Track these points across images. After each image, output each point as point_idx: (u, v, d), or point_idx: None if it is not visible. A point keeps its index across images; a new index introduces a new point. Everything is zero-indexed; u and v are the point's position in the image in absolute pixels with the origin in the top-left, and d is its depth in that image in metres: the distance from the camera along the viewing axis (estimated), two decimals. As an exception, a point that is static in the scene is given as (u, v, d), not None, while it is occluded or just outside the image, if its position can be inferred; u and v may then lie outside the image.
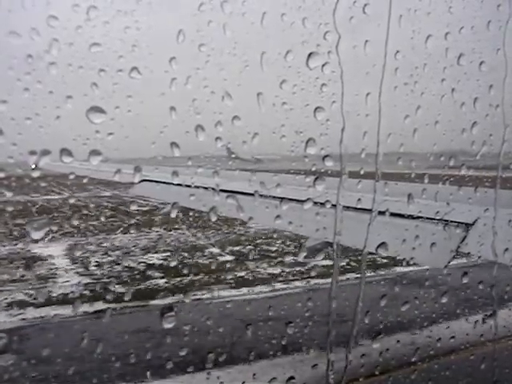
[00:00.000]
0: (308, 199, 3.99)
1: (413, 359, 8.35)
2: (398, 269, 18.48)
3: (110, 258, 20.68)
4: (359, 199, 3.97)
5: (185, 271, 19.08)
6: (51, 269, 19.11)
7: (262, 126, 3.47)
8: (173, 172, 4.16)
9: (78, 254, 21.92)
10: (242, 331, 10.86)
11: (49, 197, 33.39)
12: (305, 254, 4.26)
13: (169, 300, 14.98)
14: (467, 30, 3.57)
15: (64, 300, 14.95)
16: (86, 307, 12.45)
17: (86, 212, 27.75)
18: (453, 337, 10.05)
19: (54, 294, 15.71)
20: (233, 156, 4.64)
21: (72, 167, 2.90)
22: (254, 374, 9.68)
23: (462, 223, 3.90)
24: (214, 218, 3.76)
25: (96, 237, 25.00)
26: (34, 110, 2.62)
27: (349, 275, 13.92)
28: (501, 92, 3.59)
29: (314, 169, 3.61)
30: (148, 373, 8.71)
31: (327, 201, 3.68)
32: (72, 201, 31.28)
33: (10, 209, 19.14)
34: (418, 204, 4.10)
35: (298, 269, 18.87)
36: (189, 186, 5.23)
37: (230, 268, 19.25)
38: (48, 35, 2.37)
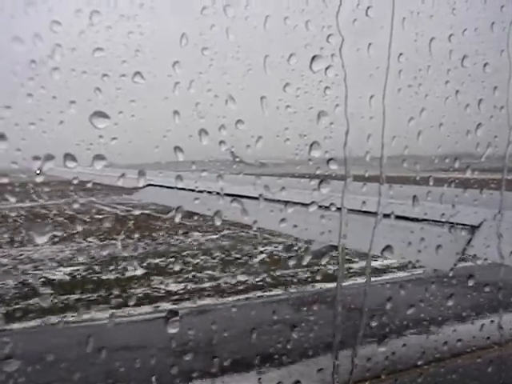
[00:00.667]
0: (313, 202, 3.98)
1: (419, 362, 8.33)
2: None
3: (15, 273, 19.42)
4: (364, 202, 3.95)
5: (78, 288, 17.45)
6: None
7: (265, 130, 3.46)
8: (177, 176, 4.16)
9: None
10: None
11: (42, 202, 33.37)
12: (310, 257, 4.25)
13: (32, 323, 13.80)
14: (471, 31, 3.56)
15: None
16: None
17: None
18: (459, 340, 10.00)
19: None
20: (237, 160, 4.64)
21: (76, 172, 2.90)
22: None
23: (468, 225, 3.88)
24: (218, 222, 3.75)
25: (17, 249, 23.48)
26: (37, 115, 2.62)
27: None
28: (505, 93, 3.58)
29: (318, 172, 3.60)
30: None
31: (332, 204, 3.68)
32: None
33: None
34: (423, 206, 4.09)
35: (206, 285, 18.02)
36: (193, 191, 5.23)
37: (127, 285, 18.00)
38: (51, 40, 2.37)
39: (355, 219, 4.07)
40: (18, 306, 15.16)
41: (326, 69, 2.93)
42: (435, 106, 3.77)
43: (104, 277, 18.84)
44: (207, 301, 16.11)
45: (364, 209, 4.03)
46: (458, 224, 3.93)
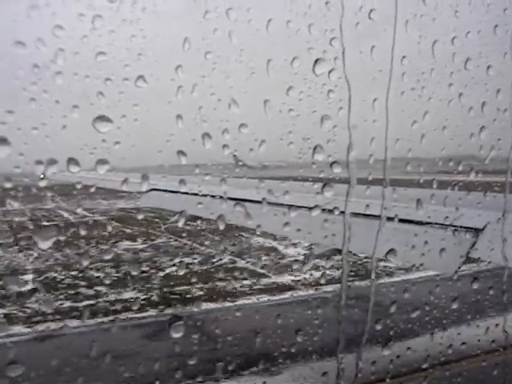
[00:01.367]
0: (316, 206, 3.97)
1: (424, 366, 8.29)
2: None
3: None
4: (368, 205, 3.95)
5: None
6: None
7: (269, 133, 3.46)
8: (180, 180, 4.16)
9: None
10: None
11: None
12: (313, 261, 4.24)
13: None
14: (474, 34, 3.55)
15: None
16: None
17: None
18: (464, 343, 9.96)
19: None
20: (240, 164, 4.64)
21: (79, 177, 2.90)
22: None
23: (472, 228, 3.87)
24: (221, 226, 3.74)
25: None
26: (40, 119, 2.62)
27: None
28: (509, 96, 3.57)
29: (321, 175, 3.59)
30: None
31: (335, 207, 3.67)
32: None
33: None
34: (426, 209, 4.08)
35: (80, 305, 16.23)
36: (196, 195, 5.24)
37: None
38: (54, 45, 2.37)
39: (359, 222, 4.07)
40: None
41: (329, 72, 2.92)
42: (438, 109, 3.77)
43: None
44: (61, 324, 14.25)
45: (368, 212, 4.02)
46: (461, 227, 3.92)
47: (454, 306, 4.71)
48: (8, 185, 2.55)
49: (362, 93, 3.10)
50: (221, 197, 4.40)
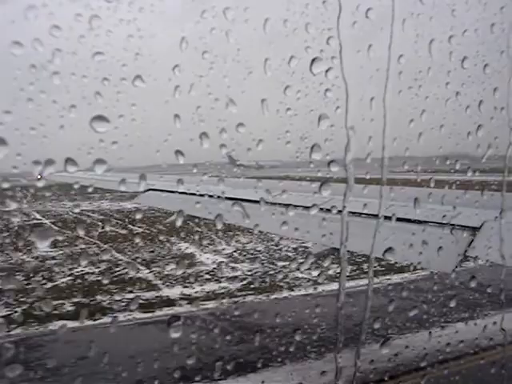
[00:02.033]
0: (314, 205, 3.97)
1: (422, 364, 8.31)
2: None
3: None
4: (365, 204, 3.95)
5: None
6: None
7: (266, 133, 3.46)
8: (178, 180, 4.16)
9: None
10: None
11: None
12: (312, 260, 4.24)
13: None
14: (471, 33, 3.56)
15: None
16: None
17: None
18: (462, 341, 9.99)
19: None
20: (237, 163, 4.64)
21: (77, 177, 2.90)
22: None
23: (469, 227, 3.88)
24: (219, 226, 3.74)
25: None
26: (37, 119, 2.62)
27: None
28: (505, 94, 3.58)
29: (319, 174, 3.59)
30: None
31: (333, 206, 3.67)
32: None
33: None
34: (424, 208, 4.09)
35: None
36: (194, 194, 5.24)
37: None
38: (51, 45, 2.37)
39: (357, 221, 4.07)
40: None
41: (327, 71, 2.92)
42: (436, 108, 3.77)
43: None
44: None
45: (365, 211, 4.03)
46: (459, 226, 3.93)
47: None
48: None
49: (360, 92, 3.10)
50: (218, 196, 4.41)
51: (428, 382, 7.81)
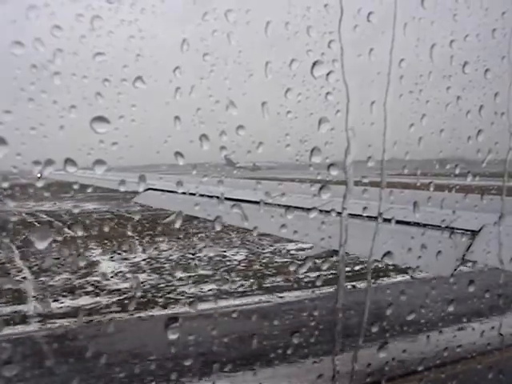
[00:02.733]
0: (313, 208, 3.97)
1: (419, 368, 8.30)
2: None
3: None
4: (365, 207, 3.95)
5: None
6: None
7: (266, 135, 3.46)
8: (177, 181, 4.16)
9: None
10: None
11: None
12: (310, 264, 4.24)
13: None
14: (472, 37, 3.55)
15: None
16: None
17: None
18: (460, 345, 9.98)
19: None
20: (237, 165, 4.64)
21: (76, 177, 2.90)
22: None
23: (468, 231, 3.88)
24: (218, 227, 3.74)
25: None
26: (38, 119, 2.61)
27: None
28: (506, 99, 3.58)
29: (319, 177, 3.59)
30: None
31: (333, 209, 3.67)
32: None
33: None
34: (423, 212, 4.09)
35: None
36: (193, 195, 5.24)
37: None
38: (52, 45, 2.37)
39: (356, 224, 4.07)
40: None
41: (328, 74, 2.92)
42: (436, 112, 3.77)
43: None
44: None
45: (365, 214, 4.03)
46: (458, 229, 3.93)
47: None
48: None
49: (360, 95, 3.10)
50: (218, 197, 4.40)
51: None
